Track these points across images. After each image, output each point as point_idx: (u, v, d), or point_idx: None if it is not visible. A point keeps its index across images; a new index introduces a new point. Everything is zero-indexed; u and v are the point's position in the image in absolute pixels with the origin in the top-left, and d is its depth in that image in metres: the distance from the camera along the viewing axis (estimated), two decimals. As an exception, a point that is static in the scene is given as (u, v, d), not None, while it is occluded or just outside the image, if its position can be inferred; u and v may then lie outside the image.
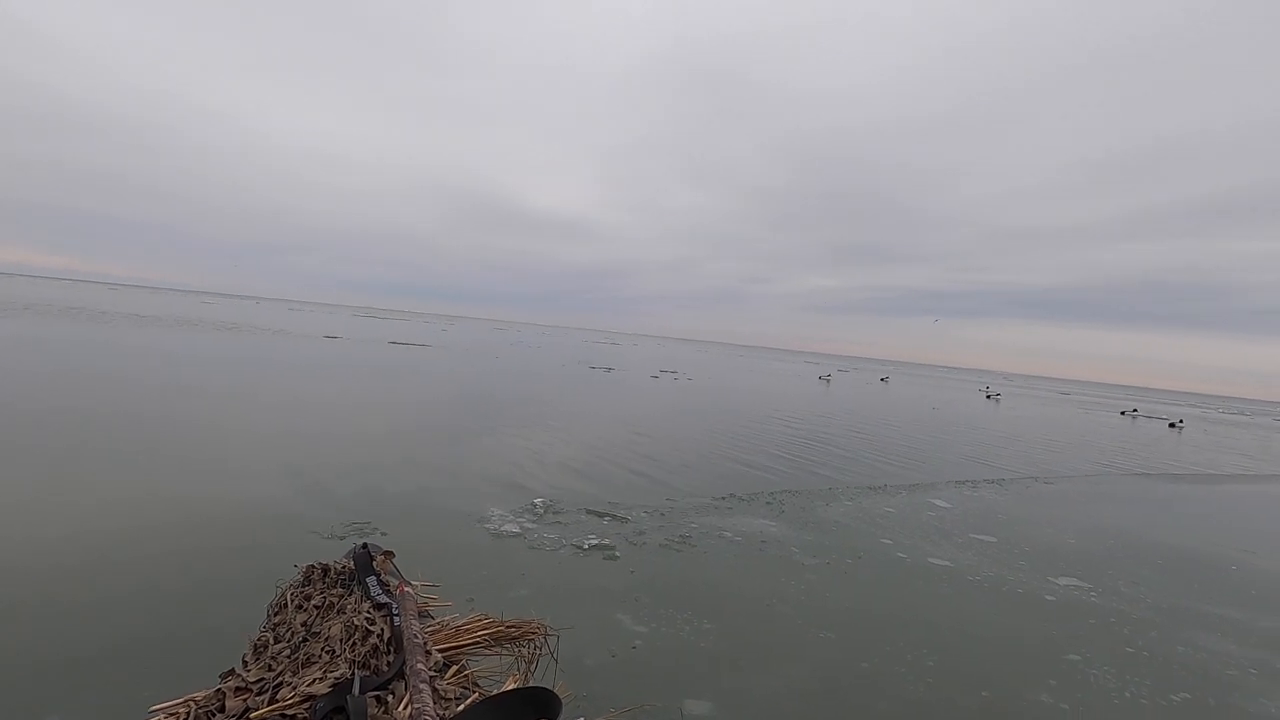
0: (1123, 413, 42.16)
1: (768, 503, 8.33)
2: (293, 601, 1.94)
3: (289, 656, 1.69)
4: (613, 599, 4.92)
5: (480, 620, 2.02)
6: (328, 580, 2.02)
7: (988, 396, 46.65)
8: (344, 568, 2.08)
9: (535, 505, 7.10)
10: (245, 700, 1.51)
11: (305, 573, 2.06)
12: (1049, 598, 5.88)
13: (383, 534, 5.71)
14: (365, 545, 2.14)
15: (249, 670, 1.67)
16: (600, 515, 7.02)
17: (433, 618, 2.03)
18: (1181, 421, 36.18)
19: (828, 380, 47.79)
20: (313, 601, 1.91)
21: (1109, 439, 22.86)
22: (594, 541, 6.11)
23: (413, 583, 2.21)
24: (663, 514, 7.33)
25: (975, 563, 6.62)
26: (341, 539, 5.48)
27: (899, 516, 8.28)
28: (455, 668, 1.77)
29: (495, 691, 1.48)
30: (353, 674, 1.57)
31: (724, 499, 8.25)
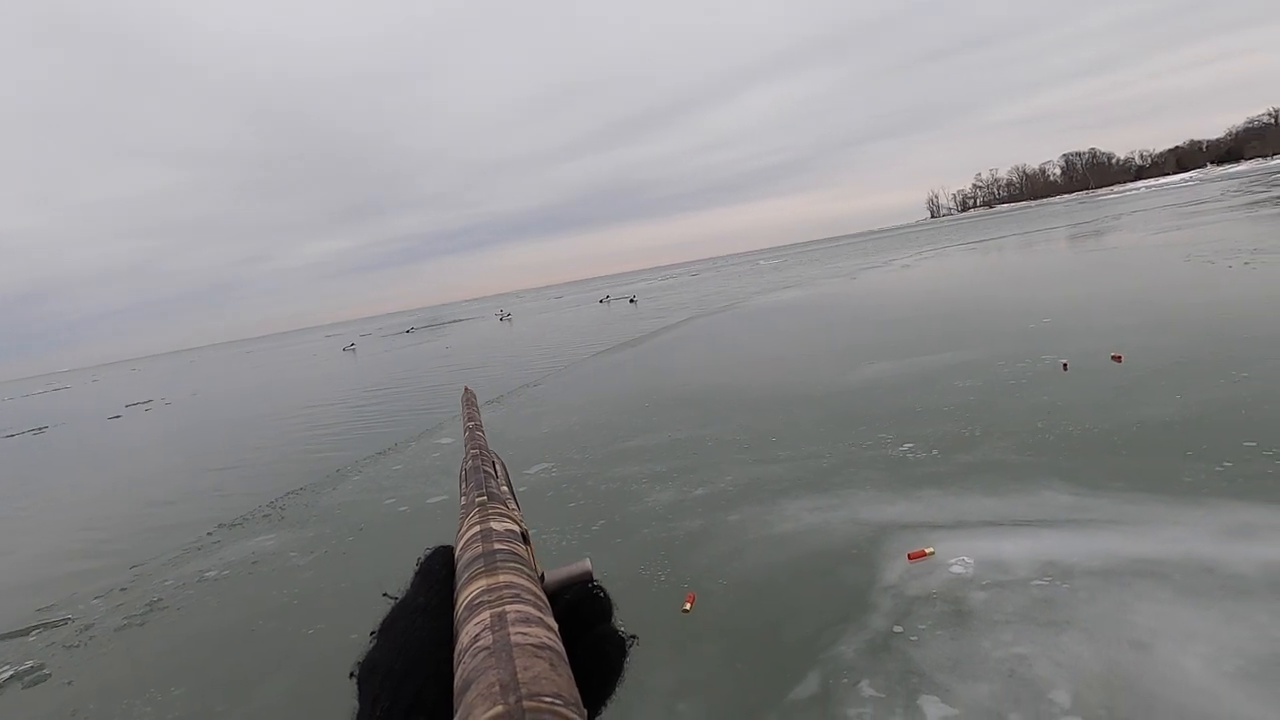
0: (600, 301, 51.65)
1: (265, 515, 7.72)
2: None
3: None
4: (39, 731, 3.96)
5: None
6: None
7: (501, 319, 51.46)
8: None
9: (-99, 671, 5.10)
10: None
11: None
12: (522, 489, 6.98)
13: None
14: None
15: None
16: (21, 634, 5.47)
17: None
18: (635, 299, 46.27)
19: (353, 349, 45.81)
20: None
21: (586, 327, 27.89)
22: (8, 673, 4.77)
23: None
24: (124, 589, 6.13)
25: (466, 486, 7.41)
26: None
27: (405, 471, 8.65)
28: None
29: None
30: None
31: (209, 534, 7.32)
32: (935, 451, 5.78)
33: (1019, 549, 3.87)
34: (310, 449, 11.49)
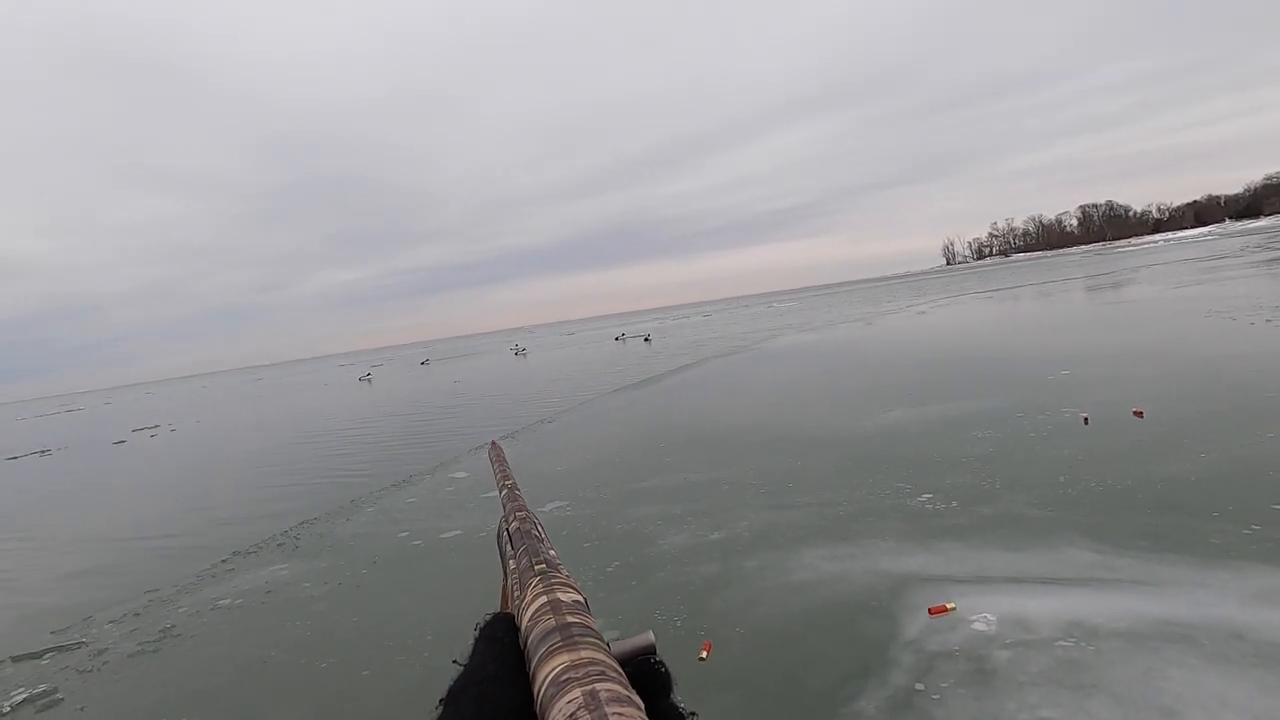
0: (615, 339, 51.93)
1: (280, 544, 7.74)
2: None
3: None
4: (50, 757, 3.95)
5: None
6: None
7: (515, 354, 51.80)
8: None
9: (-84, 689, 5.12)
10: None
11: None
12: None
13: None
14: None
15: None
16: (36, 656, 5.49)
17: None
18: (650, 337, 46.57)
19: (368, 379, 46.21)
20: None
21: (601, 365, 27.99)
22: (22, 696, 4.77)
23: None
24: (137, 614, 6.15)
25: (479, 521, 7.41)
26: None
27: (420, 504, 8.66)
28: None
29: None
30: None
31: (223, 561, 7.34)
32: (955, 503, 5.73)
33: (1043, 607, 3.81)
34: (324, 478, 11.55)
